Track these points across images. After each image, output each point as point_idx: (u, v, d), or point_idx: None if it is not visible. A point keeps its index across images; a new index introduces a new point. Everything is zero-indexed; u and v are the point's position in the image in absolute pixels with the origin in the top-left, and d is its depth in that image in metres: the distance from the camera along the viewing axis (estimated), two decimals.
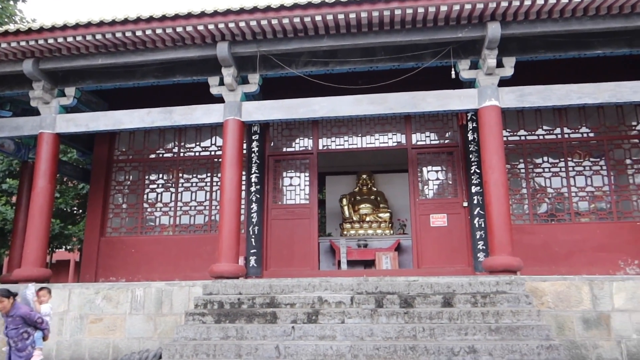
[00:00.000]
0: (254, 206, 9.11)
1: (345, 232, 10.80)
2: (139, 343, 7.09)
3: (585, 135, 8.96)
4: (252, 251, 8.93)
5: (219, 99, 8.10)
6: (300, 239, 9.11)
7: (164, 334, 7.04)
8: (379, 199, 11.51)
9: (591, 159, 8.86)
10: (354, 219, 10.91)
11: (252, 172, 9.26)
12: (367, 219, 10.88)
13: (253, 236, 8.98)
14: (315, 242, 9.03)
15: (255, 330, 5.46)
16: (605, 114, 8.97)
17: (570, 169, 8.81)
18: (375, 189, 11.83)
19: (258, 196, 9.16)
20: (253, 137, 9.42)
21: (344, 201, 10.93)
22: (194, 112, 8.14)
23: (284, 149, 9.66)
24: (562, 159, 8.87)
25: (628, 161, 8.75)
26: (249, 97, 8.16)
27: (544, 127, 9.05)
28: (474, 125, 8.87)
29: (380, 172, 12.33)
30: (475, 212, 8.56)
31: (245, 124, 8.10)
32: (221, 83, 8.03)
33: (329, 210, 12.34)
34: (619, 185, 8.67)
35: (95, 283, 7.84)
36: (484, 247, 8.40)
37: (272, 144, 9.71)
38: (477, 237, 8.47)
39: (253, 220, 9.06)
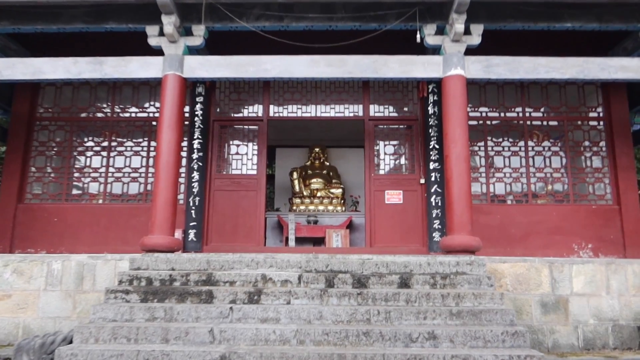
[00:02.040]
0: (196, 175, 8.28)
1: (294, 208, 10.17)
2: (55, 323, 6.22)
3: (546, 114, 8.67)
4: (191, 224, 8.13)
5: (159, 52, 7.17)
6: (245, 212, 8.38)
7: (85, 314, 6.19)
8: (331, 174, 10.92)
9: (550, 140, 8.59)
10: (305, 194, 10.29)
11: (195, 137, 8.40)
12: (318, 194, 10.28)
13: (193, 208, 8.17)
14: (262, 217, 8.33)
15: (187, 311, 4.74)
16: (567, 95, 8.70)
17: (530, 149, 8.50)
18: (327, 164, 11.22)
19: (200, 164, 8.32)
20: (197, 100, 8.54)
21: (294, 175, 10.26)
22: (128, 64, 7.16)
23: (232, 114, 8.83)
24: (522, 139, 8.54)
25: (586, 143, 8.54)
26: (192, 51, 7.28)
27: (506, 105, 8.68)
28: (435, 98, 8.40)
29: (334, 147, 11.71)
30: (433, 190, 8.13)
31: (187, 82, 7.23)
32: (161, 33, 7.10)
33: (278, 184, 11.62)
34: (576, 167, 8.45)
35: (7, 255, 6.84)
36: (439, 227, 8.00)
37: (218, 109, 8.86)
38: (434, 215, 8.05)
39: (194, 190, 8.23)
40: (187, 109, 8.52)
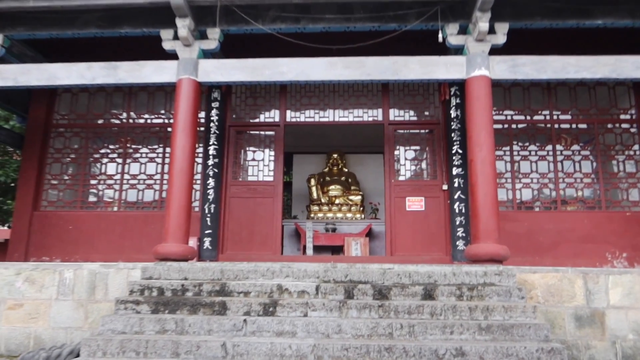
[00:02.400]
0: (211, 182, 8.09)
1: (312, 215, 9.92)
2: (66, 334, 6.04)
3: (574, 117, 8.28)
4: (206, 232, 7.94)
5: (173, 56, 7.03)
6: (262, 220, 8.16)
7: (96, 324, 5.99)
8: (350, 180, 10.66)
9: (580, 144, 8.20)
10: (323, 201, 10.03)
11: (210, 143, 8.23)
12: (337, 201, 10.02)
13: (208, 215, 7.98)
14: (279, 224, 8.09)
15: (199, 323, 4.50)
16: (597, 96, 8.32)
17: (558, 153, 8.11)
18: (346, 170, 10.96)
19: (216, 170, 8.14)
20: (212, 105, 8.38)
21: (312, 181, 10.02)
22: (142, 68, 7.03)
23: (248, 120, 8.65)
24: (550, 142, 8.17)
25: (618, 147, 8.12)
26: (207, 55, 7.11)
27: (532, 107, 8.32)
28: (458, 101, 8.09)
29: (353, 153, 11.45)
30: (456, 196, 7.80)
31: (202, 86, 7.05)
32: (175, 37, 6.96)
33: (295, 191, 11.40)
34: (608, 172, 8.04)
35: (19, 263, 6.72)
36: (463, 235, 7.66)
37: (234, 114, 8.69)
38: (457, 223, 7.72)
39: (209, 197, 8.05)
40: (202, 114, 8.39)
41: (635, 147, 8.03)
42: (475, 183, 6.33)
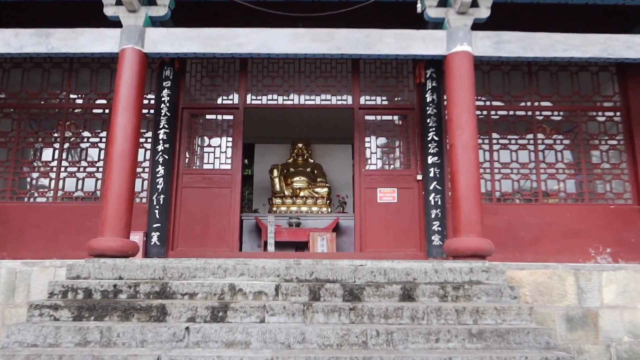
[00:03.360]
0: (160, 169, 7.19)
1: (274, 209, 9.11)
2: None
3: (556, 104, 7.76)
4: (154, 226, 7.03)
5: (116, 24, 6.12)
6: (218, 212, 7.31)
7: None
8: (316, 172, 9.90)
9: (562, 132, 7.69)
10: (286, 193, 9.24)
11: (160, 127, 7.33)
12: (302, 194, 9.25)
13: (157, 207, 7.07)
14: (237, 217, 7.26)
15: (130, 332, 3.65)
16: (579, 82, 7.82)
17: (539, 142, 7.58)
18: (312, 161, 10.20)
19: (166, 157, 7.24)
20: (164, 84, 7.47)
21: (275, 172, 9.21)
22: (79, 37, 6.09)
23: (204, 102, 7.77)
24: (531, 131, 7.63)
25: (601, 136, 7.65)
26: (155, 23, 6.24)
27: (512, 93, 7.76)
28: (434, 84, 7.46)
29: (319, 143, 10.70)
30: (431, 187, 7.15)
31: (148, 58, 6.17)
32: (119, 2, 6.06)
33: (257, 184, 10.55)
34: (591, 163, 7.55)
35: None
36: (439, 229, 7.03)
37: (188, 95, 7.80)
38: (433, 216, 7.07)
39: (158, 187, 7.14)
40: (153, 96, 7.50)
41: (619, 136, 7.57)
42: (456, 170, 5.68)
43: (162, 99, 7.41)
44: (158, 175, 7.17)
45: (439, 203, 7.10)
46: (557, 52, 6.11)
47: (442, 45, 6.06)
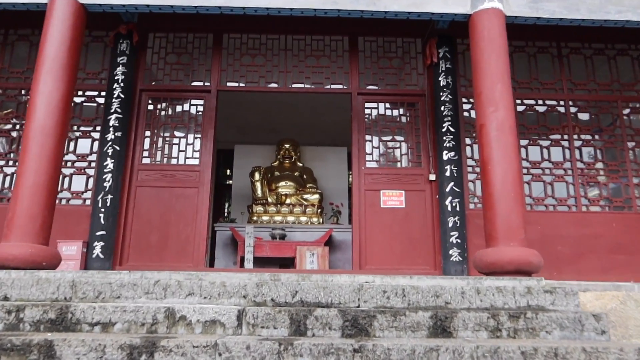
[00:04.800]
0: (109, 163, 5.73)
1: (255, 218, 7.64)
2: None
3: (593, 93, 6.46)
4: (98, 234, 5.53)
5: None
6: (181, 218, 5.83)
7: None
8: (305, 176, 8.48)
9: (600, 128, 6.37)
10: (269, 200, 7.78)
11: (112, 111, 5.89)
12: (288, 201, 7.81)
13: (103, 210, 5.58)
14: (205, 224, 5.79)
15: None
16: (618, 68, 6.55)
17: (576, 137, 6.25)
18: (301, 165, 8.77)
19: (117, 148, 5.79)
20: (118, 61, 6.07)
21: (256, 175, 7.74)
22: None
23: (168, 83, 6.37)
24: (564, 124, 6.31)
25: None
26: None
27: (540, 80, 6.46)
28: (448, 65, 6.16)
29: (310, 145, 9.29)
30: (448, 189, 5.76)
31: (87, 11, 4.79)
32: None
33: (236, 190, 9.06)
34: (638, 162, 6.23)
35: None
36: (458, 241, 5.61)
37: (149, 75, 6.40)
38: (450, 225, 5.66)
39: (105, 185, 5.66)
40: (105, 74, 6.10)
41: None
42: (488, 159, 4.29)
43: (116, 78, 5.99)
44: (106, 171, 5.70)
45: (458, 209, 5.70)
46: (608, 14, 4.86)
47: (466, 2, 4.75)
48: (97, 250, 5.48)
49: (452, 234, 5.64)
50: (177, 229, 5.79)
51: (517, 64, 6.49)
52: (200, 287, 3.01)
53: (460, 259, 5.57)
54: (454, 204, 5.72)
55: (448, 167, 5.83)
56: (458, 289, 3.04)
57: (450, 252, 5.60)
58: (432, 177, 5.97)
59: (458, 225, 5.66)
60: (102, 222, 5.56)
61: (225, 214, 9.31)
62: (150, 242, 5.75)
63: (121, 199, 5.76)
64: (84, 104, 6.20)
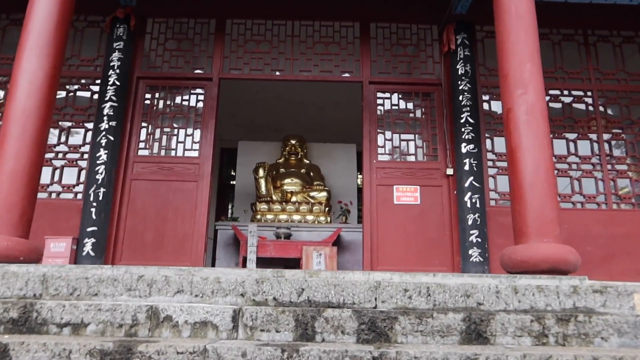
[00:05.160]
0: (102, 154, 5.33)
1: (259, 216, 7.22)
2: None
3: (622, 83, 6.01)
4: (89, 230, 5.12)
5: None
6: (179, 213, 5.42)
7: None
8: (312, 173, 8.05)
9: (632, 120, 5.92)
10: (274, 198, 7.36)
11: (106, 98, 5.50)
12: (294, 198, 7.38)
13: (95, 204, 5.18)
14: (204, 220, 5.37)
15: None
16: None
17: (604, 130, 5.79)
18: (307, 162, 8.35)
19: (112, 139, 5.39)
20: (115, 45, 5.69)
21: (261, 172, 7.32)
22: None
23: (167, 70, 5.98)
24: (592, 116, 5.85)
25: None
26: None
27: (565, 69, 6.02)
28: (467, 52, 5.74)
29: (317, 142, 8.86)
30: (467, 184, 5.32)
31: None
32: None
33: (240, 189, 8.64)
34: None
35: None
36: (478, 240, 5.16)
37: (147, 62, 6.02)
38: (470, 222, 5.22)
39: (98, 177, 5.27)
40: (100, 63, 5.74)
41: None
42: (517, 146, 3.84)
43: (111, 64, 5.62)
44: (98, 162, 5.31)
45: (478, 205, 5.26)
46: None
47: None
48: (88, 247, 5.07)
49: (471, 232, 5.19)
50: (175, 225, 5.37)
51: (490, 50, 6.06)
52: (191, 284, 2.59)
53: (481, 259, 5.12)
54: (473, 200, 5.28)
55: (467, 160, 5.40)
56: (492, 287, 2.60)
57: (470, 252, 5.15)
58: (450, 171, 5.53)
59: (478, 223, 5.22)
60: (94, 217, 5.15)
61: (229, 215, 8.86)
62: (145, 240, 5.33)
63: (115, 193, 5.36)
64: (78, 92, 5.82)
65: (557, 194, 4.05)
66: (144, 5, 5.92)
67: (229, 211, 9.56)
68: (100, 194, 5.22)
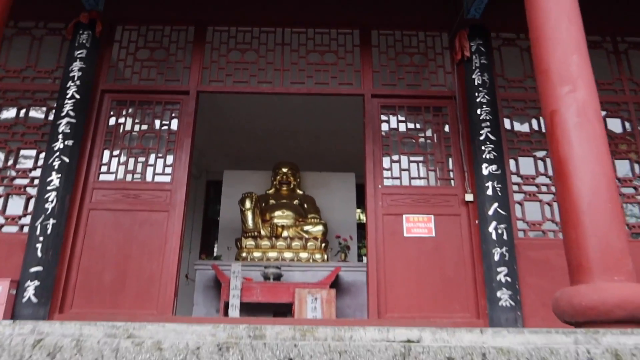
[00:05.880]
0: (54, 179, 4.44)
1: (244, 254, 6.26)
2: None
3: None
4: (32, 270, 4.17)
5: None
6: (145, 250, 4.48)
7: None
8: (306, 205, 7.14)
9: None
10: (263, 232, 6.43)
11: (63, 114, 4.66)
12: (285, 233, 6.45)
13: (41, 239, 4.25)
14: (175, 258, 4.42)
15: None
16: None
17: None
18: (301, 192, 7.45)
19: (66, 160, 4.51)
20: (76, 54, 4.90)
21: (247, 203, 6.38)
22: None
23: (136, 82, 5.17)
24: (630, 130, 5.06)
25: None
26: None
27: (597, 80, 5.25)
28: (483, 60, 5.00)
29: (311, 170, 8.01)
30: (491, 212, 4.45)
31: None
32: None
33: (224, 223, 7.66)
34: None
35: None
36: (508, 279, 4.25)
37: (115, 73, 5.20)
38: (496, 258, 4.31)
39: (47, 206, 4.36)
40: (60, 75, 4.94)
41: None
42: (568, 155, 2.99)
43: (71, 75, 4.81)
44: (49, 188, 4.41)
45: (505, 237, 4.37)
46: None
47: None
48: (30, 291, 4.11)
49: (499, 270, 4.28)
50: (140, 264, 4.42)
51: (508, 59, 5.33)
52: (117, 352, 1.66)
53: (512, 303, 4.19)
54: (499, 231, 4.39)
55: (489, 184, 4.55)
56: (580, 354, 1.68)
57: (499, 294, 4.23)
58: (469, 197, 4.66)
59: (507, 258, 4.31)
60: (39, 254, 4.21)
61: (215, 255, 7.87)
62: (103, 282, 4.37)
63: (68, 225, 4.43)
64: (32, 107, 4.98)
65: (623, 217, 3.19)
66: (112, 10, 5.18)
67: (214, 250, 8.59)
68: (49, 227, 4.30)
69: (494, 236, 4.38)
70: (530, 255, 4.43)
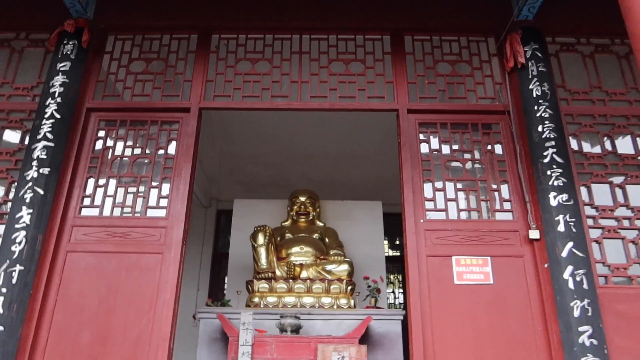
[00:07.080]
0: (25, 214, 3.64)
1: (257, 299, 5.34)
2: None
3: None
4: None
5: None
6: (132, 303, 3.61)
7: None
8: (327, 240, 6.21)
9: None
10: (278, 273, 5.52)
11: (39, 137, 3.89)
12: (305, 274, 5.52)
13: (4, 290, 3.43)
14: (170, 313, 3.54)
15: None
16: None
17: None
18: (321, 224, 6.54)
19: (40, 192, 3.71)
20: (59, 67, 4.16)
21: (260, 238, 5.47)
22: None
23: (128, 99, 4.39)
24: None
25: None
26: None
27: (605, 89, 4.36)
28: (541, 68, 4.17)
29: (332, 199, 7.12)
30: (565, 253, 3.54)
31: None
32: None
33: (234, 261, 6.70)
34: None
35: None
36: (594, 342, 3.31)
37: (104, 89, 4.42)
38: (576, 313, 3.38)
39: (14, 249, 3.54)
40: (40, 91, 4.19)
41: None
42: None
43: (51, 91, 4.06)
44: (17, 226, 3.60)
45: (585, 286, 3.44)
46: None
47: None
48: None
49: (581, 329, 3.33)
50: (125, 321, 3.56)
51: (567, 67, 4.44)
52: None
53: None
54: (578, 278, 3.46)
55: (560, 217, 3.64)
56: None
57: (581, 356, 3.27)
58: (534, 234, 3.74)
59: (590, 314, 3.37)
60: (1, 310, 3.38)
61: (223, 300, 6.88)
62: (80, 344, 3.50)
63: (38, 272, 3.60)
64: (6, 129, 4.22)
65: None
66: (103, 17, 4.47)
67: (225, 289, 7.68)
68: (15, 275, 3.47)
69: (571, 285, 3.45)
70: (618, 309, 3.50)
